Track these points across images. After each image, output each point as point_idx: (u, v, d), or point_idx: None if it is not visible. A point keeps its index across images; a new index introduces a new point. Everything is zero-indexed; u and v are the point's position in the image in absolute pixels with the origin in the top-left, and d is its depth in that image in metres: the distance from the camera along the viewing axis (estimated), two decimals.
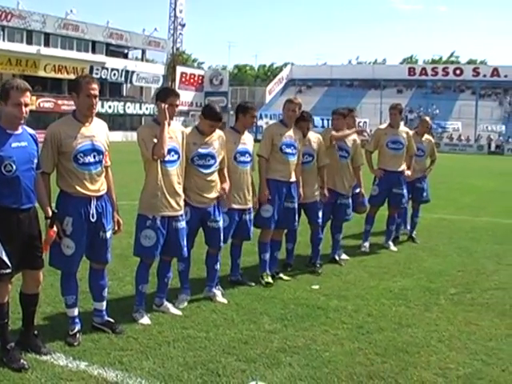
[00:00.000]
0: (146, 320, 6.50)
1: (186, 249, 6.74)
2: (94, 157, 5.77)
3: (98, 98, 5.79)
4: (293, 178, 8.35)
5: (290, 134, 8.33)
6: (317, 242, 9.17)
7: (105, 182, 5.97)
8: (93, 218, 5.76)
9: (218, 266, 7.52)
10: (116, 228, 6.21)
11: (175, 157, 6.53)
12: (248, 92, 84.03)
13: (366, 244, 10.72)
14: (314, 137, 8.94)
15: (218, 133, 7.28)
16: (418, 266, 9.64)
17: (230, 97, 78.30)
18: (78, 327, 5.94)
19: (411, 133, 11.05)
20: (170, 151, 6.42)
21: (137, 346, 5.76)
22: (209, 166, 7.12)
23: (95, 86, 5.74)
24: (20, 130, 5.33)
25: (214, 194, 7.18)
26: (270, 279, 8.21)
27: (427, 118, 12.06)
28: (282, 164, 8.24)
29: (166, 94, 6.52)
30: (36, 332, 5.68)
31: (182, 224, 6.67)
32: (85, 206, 5.75)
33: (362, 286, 8.30)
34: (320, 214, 9.01)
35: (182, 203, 6.66)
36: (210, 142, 7.15)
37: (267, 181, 8.16)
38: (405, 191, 10.82)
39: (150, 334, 6.11)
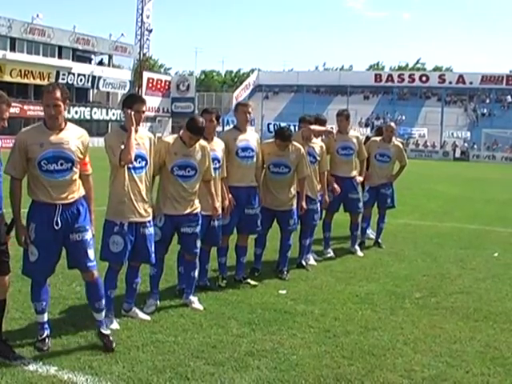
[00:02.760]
0: (114, 325, 6.52)
1: (153, 255, 6.75)
2: (62, 164, 5.65)
3: (61, 107, 5.64)
4: (252, 183, 8.43)
5: (246, 138, 8.39)
6: (286, 249, 9.23)
7: (78, 189, 5.83)
8: (57, 225, 5.66)
9: (196, 272, 7.55)
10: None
11: (142, 163, 6.53)
12: (215, 98, 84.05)
13: (329, 250, 10.82)
14: (294, 148, 8.89)
15: (202, 143, 7.30)
16: (383, 270, 9.77)
17: (197, 102, 78.21)
18: (47, 332, 5.92)
19: (361, 138, 11.25)
20: (137, 157, 6.42)
21: (105, 351, 5.77)
22: (189, 177, 7.15)
23: (55, 95, 5.61)
24: None
25: (191, 207, 7.23)
26: (223, 282, 8.43)
27: (392, 124, 12.19)
28: (238, 169, 8.27)
29: (132, 101, 6.56)
30: (4, 337, 5.70)
31: (150, 230, 6.67)
32: (48, 214, 5.67)
33: (328, 290, 8.40)
34: (292, 221, 9.08)
35: (149, 209, 6.66)
36: (192, 153, 7.18)
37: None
38: (360, 195, 10.97)
39: (119, 338, 6.13)
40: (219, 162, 7.81)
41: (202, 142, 7.30)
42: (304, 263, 9.78)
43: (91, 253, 5.85)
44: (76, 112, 62.99)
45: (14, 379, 5.15)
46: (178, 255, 7.77)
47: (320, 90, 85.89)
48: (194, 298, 7.49)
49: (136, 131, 6.45)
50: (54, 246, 5.74)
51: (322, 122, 10.10)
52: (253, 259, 9.23)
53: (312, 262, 10.11)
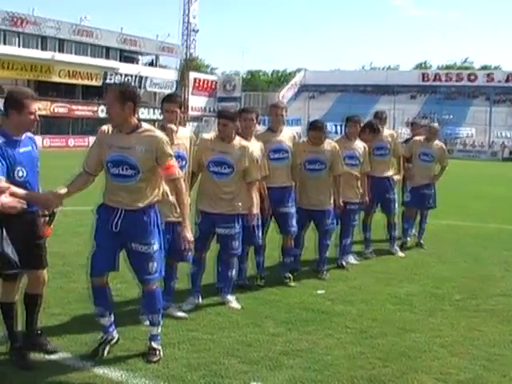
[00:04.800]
0: (181, 313, 6.93)
1: (189, 253, 6.79)
2: (126, 169, 5.43)
3: (110, 109, 5.44)
4: (285, 184, 8.41)
5: (278, 139, 8.38)
6: (323, 249, 9.22)
7: (145, 198, 5.53)
8: (115, 228, 5.49)
9: (233, 272, 7.59)
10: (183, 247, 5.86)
11: (182, 163, 6.60)
12: (261, 97, 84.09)
13: (370, 250, 10.77)
14: (328, 145, 8.95)
15: (243, 143, 7.33)
16: (424, 271, 9.67)
17: (243, 102, 78.40)
18: (105, 336, 5.74)
19: (396, 135, 11.22)
20: (176, 158, 6.46)
21: (142, 348, 5.83)
22: (224, 175, 7.19)
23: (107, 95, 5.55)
24: (23, 136, 5.47)
25: (228, 207, 7.25)
26: (261, 282, 8.46)
27: (435, 125, 12.11)
28: (271, 170, 8.17)
29: (163, 100, 6.73)
30: (39, 331, 5.83)
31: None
32: (109, 215, 5.52)
33: (367, 291, 8.36)
34: (328, 221, 9.07)
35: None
36: (230, 150, 7.22)
37: None
38: (396, 196, 10.91)
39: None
40: (257, 162, 7.80)
41: (243, 142, 7.34)
42: (344, 263, 9.75)
43: (152, 265, 5.61)
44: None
45: (51, 373, 5.27)
46: (217, 254, 7.78)
47: (366, 90, 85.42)
48: (231, 297, 7.52)
49: (176, 131, 6.60)
50: (109, 245, 5.56)
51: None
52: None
53: (353, 262, 10.07)
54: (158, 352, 5.71)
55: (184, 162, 6.69)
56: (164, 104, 6.75)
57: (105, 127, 5.62)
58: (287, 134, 8.53)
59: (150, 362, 5.58)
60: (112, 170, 5.48)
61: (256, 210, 7.66)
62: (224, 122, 7.28)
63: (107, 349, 5.64)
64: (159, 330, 5.85)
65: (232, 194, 7.28)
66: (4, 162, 5.19)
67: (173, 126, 6.64)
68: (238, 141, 7.30)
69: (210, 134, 7.37)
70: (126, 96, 5.40)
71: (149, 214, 5.55)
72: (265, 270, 8.63)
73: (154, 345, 5.76)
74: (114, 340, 5.77)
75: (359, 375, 5.43)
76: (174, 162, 5.59)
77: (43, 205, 5.41)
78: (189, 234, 5.76)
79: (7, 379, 5.17)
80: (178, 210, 6.44)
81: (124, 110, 5.37)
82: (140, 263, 5.62)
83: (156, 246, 5.59)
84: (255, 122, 7.87)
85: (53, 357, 5.61)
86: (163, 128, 6.62)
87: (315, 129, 8.91)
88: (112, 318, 5.79)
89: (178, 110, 6.79)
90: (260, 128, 8.75)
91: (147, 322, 6.23)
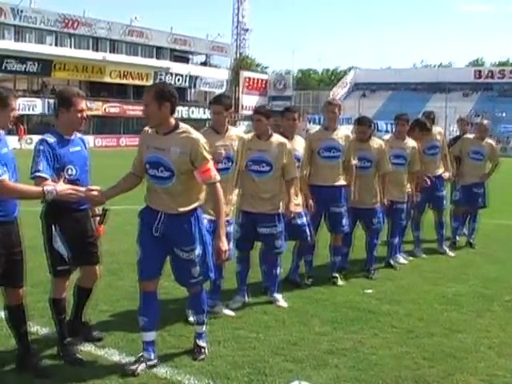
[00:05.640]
0: (228, 311, 6.98)
1: (230, 252, 6.80)
2: (161, 171, 5.34)
3: (147, 109, 5.35)
4: (337, 183, 8.39)
5: (331, 137, 8.36)
6: (371, 248, 9.20)
7: (186, 202, 5.42)
8: (156, 232, 5.41)
9: (278, 270, 7.61)
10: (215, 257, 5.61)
11: (228, 164, 6.65)
12: (312, 96, 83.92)
13: (419, 250, 10.68)
14: (375, 143, 8.96)
15: (281, 140, 7.35)
16: (474, 271, 9.55)
17: (294, 101, 78.27)
18: (145, 355, 5.47)
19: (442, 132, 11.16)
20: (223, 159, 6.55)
21: (188, 345, 5.89)
22: (263, 173, 7.21)
23: (144, 95, 5.45)
24: (74, 136, 5.60)
25: (268, 206, 7.26)
26: (309, 281, 8.47)
27: (485, 122, 11.92)
28: (322, 168, 8.28)
29: (210, 103, 6.78)
30: (85, 321, 6.08)
31: (228, 228, 6.65)
32: (151, 218, 5.44)
33: (415, 290, 8.29)
34: (375, 220, 9.05)
35: (228, 209, 6.65)
36: (268, 148, 7.24)
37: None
38: (445, 193, 10.85)
39: None
40: (299, 161, 7.83)
41: (281, 139, 7.35)
42: (392, 263, 9.69)
43: (195, 270, 5.53)
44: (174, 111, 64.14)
45: (98, 368, 5.40)
46: (260, 253, 7.80)
47: (418, 88, 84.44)
48: (278, 296, 7.54)
49: (225, 131, 6.65)
50: (155, 249, 5.47)
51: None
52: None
53: (402, 261, 10.01)
54: (203, 350, 5.74)
55: (231, 164, 6.70)
56: (211, 106, 6.77)
57: (147, 128, 5.58)
58: (341, 133, 8.50)
59: (196, 359, 5.61)
60: (149, 171, 5.43)
61: (300, 208, 7.78)
62: (257, 118, 7.31)
63: (142, 367, 5.34)
64: (205, 329, 5.87)
65: (272, 192, 7.28)
66: (52, 163, 5.33)
67: (222, 152, 6.59)
68: (275, 138, 7.31)
69: (248, 134, 7.36)
70: (163, 96, 5.31)
71: (189, 219, 5.44)
72: (313, 269, 8.63)
73: (199, 343, 5.78)
74: (152, 362, 5.45)
75: (404, 375, 5.40)
76: (211, 165, 5.43)
77: (88, 200, 5.39)
78: (222, 244, 5.49)
79: (54, 374, 5.30)
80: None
81: (161, 110, 5.29)
82: (182, 269, 5.56)
83: (198, 251, 5.48)
84: (297, 121, 7.89)
85: (99, 352, 5.74)
86: (212, 129, 6.70)
87: (361, 123, 8.93)
88: (154, 336, 5.60)
89: (226, 112, 6.69)
90: (310, 126, 8.79)
91: (191, 318, 6.31)
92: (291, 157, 7.39)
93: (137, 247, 5.57)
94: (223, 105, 6.69)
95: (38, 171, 5.25)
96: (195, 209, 5.51)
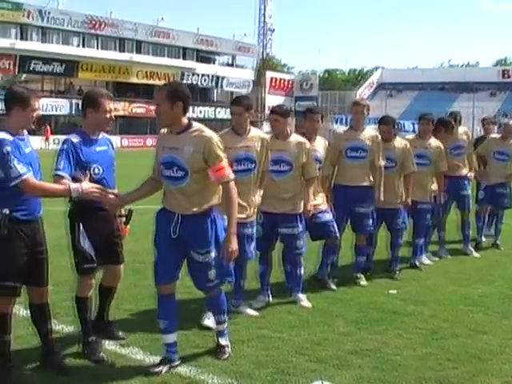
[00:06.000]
0: (251, 311, 6.99)
1: (249, 253, 6.81)
2: (176, 171, 5.31)
3: (159, 109, 5.37)
4: (363, 183, 8.38)
5: (358, 137, 8.34)
6: (395, 248, 9.16)
7: (201, 202, 5.37)
8: (174, 234, 5.38)
9: (301, 270, 7.58)
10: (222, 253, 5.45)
11: (251, 166, 6.63)
12: (338, 96, 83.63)
13: (444, 251, 10.61)
14: (399, 143, 8.93)
15: (300, 140, 7.35)
16: (500, 272, 9.47)
17: (321, 101, 78.12)
18: (167, 356, 5.49)
19: (469, 132, 11.09)
20: (243, 160, 6.54)
21: (211, 344, 5.91)
22: (282, 172, 7.21)
23: (156, 95, 5.52)
24: (100, 135, 5.67)
25: (289, 206, 7.26)
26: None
27: (510, 122, 11.83)
28: (348, 168, 8.30)
29: (230, 103, 6.82)
30: (109, 320, 6.13)
31: (249, 230, 6.71)
32: (168, 220, 5.42)
33: (440, 291, 8.24)
34: (399, 221, 9.01)
35: (249, 211, 6.69)
36: (287, 148, 7.23)
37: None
38: (470, 192, 10.78)
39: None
40: (319, 162, 7.84)
41: (300, 138, 7.36)
42: (417, 263, 9.64)
43: (211, 273, 5.46)
44: (200, 111, 64.51)
45: (121, 367, 5.48)
46: (282, 253, 7.81)
47: (445, 88, 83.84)
48: (302, 296, 7.53)
49: (245, 133, 6.63)
50: (171, 253, 5.44)
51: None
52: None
53: (426, 261, 9.97)
54: (226, 349, 5.74)
55: (253, 165, 6.67)
56: (231, 107, 6.78)
57: (163, 130, 5.53)
58: (368, 133, 8.46)
59: (220, 359, 5.61)
60: (164, 172, 5.39)
61: (325, 205, 7.89)
62: (274, 118, 7.30)
63: (166, 369, 5.36)
64: (226, 327, 5.85)
65: (292, 192, 7.28)
66: (73, 162, 5.42)
67: None
68: (294, 137, 7.31)
69: (267, 135, 7.31)
70: (176, 95, 5.27)
71: (205, 220, 5.38)
72: (337, 270, 8.62)
73: (221, 342, 5.77)
74: (175, 363, 5.47)
75: (428, 376, 5.37)
76: (225, 163, 5.35)
77: (106, 203, 5.43)
78: (230, 244, 5.36)
79: (78, 372, 5.35)
80: (242, 212, 6.50)
81: (173, 109, 5.25)
82: (199, 272, 5.50)
83: (214, 254, 5.40)
84: (320, 122, 7.89)
85: (123, 351, 5.79)
86: (233, 131, 6.70)
87: (385, 123, 8.90)
88: (175, 337, 5.59)
89: (246, 113, 6.64)
90: (335, 126, 8.79)
91: (205, 322, 6.36)
92: (310, 156, 7.39)
93: (153, 249, 5.59)
94: (243, 105, 6.66)
95: (57, 170, 5.35)
96: (211, 210, 5.43)
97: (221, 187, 5.44)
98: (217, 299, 5.74)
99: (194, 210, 5.34)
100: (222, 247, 5.39)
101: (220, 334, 5.83)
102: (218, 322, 5.85)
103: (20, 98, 5.06)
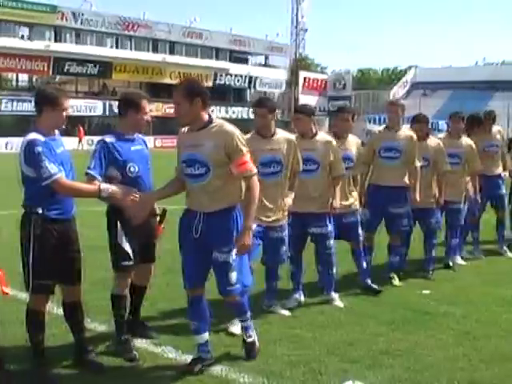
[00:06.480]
0: (284, 311, 7.01)
1: (282, 256, 6.83)
2: (198, 168, 5.27)
3: (178, 107, 5.32)
4: (398, 183, 8.31)
5: (393, 138, 8.30)
6: (429, 248, 9.11)
7: (223, 199, 5.31)
8: (196, 233, 5.33)
9: (333, 270, 7.55)
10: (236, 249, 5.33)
11: (277, 168, 6.55)
12: (372, 96, 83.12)
13: (478, 251, 10.54)
14: (433, 142, 8.90)
15: (327, 138, 7.36)
16: None
17: (354, 101, 77.70)
18: (200, 355, 5.51)
19: (502, 131, 11.00)
20: (270, 163, 6.48)
21: (243, 344, 5.89)
22: (310, 171, 7.17)
23: (174, 94, 5.44)
24: (135, 135, 5.78)
25: (317, 206, 7.23)
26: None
27: None
28: (382, 168, 8.32)
29: (254, 105, 6.79)
30: (142, 319, 6.23)
31: (279, 234, 6.67)
32: (190, 220, 5.39)
33: (473, 292, 8.18)
34: (433, 220, 8.98)
35: (279, 214, 6.63)
36: (313, 147, 7.21)
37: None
38: (505, 191, 10.71)
39: (257, 332, 6.29)
40: (352, 161, 7.81)
41: (327, 137, 7.37)
42: (451, 263, 9.57)
43: (232, 276, 5.36)
44: (233, 112, 64.64)
45: (154, 365, 5.54)
46: (315, 253, 7.79)
47: (480, 86, 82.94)
48: (334, 295, 7.54)
49: (271, 135, 6.58)
50: (195, 254, 5.40)
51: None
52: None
53: (460, 262, 9.90)
54: (253, 346, 5.72)
55: (280, 168, 6.58)
56: (254, 109, 6.69)
57: (183, 129, 5.52)
58: (404, 134, 8.39)
59: (249, 357, 5.64)
60: (186, 171, 5.35)
61: (356, 206, 7.89)
62: (297, 117, 7.30)
63: (199, 367, 5.38)
64: (250, 322, 5.76)
65: (320, 191, 7.26)
66: (106, 162, 5.51)
67: None
68: (320, 136, 7.30)
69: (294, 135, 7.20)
70: (194, 92, 5.24)
71: (228, 218, 5.31)
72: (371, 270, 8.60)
73: (247, 338, 5.73)
74: (208, 361, 5.49)
75: (460, 377, 5.34)
76: (247, 158, 5.27)
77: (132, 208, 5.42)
78: (243, 238, 5.25)
79: (111, 370, 5.44)
80: (270, 215, 6.52)
81: (192, 106, 5.21)
82: (220, 274, 5.39)
83: (235, 254, 5.32)
84: (351, 121, 7.85)
85: (156, 350, 5.85)
86: (258, 134, 6.62)
87: (418, 121, 8.87)
88: (207, 337, 5.58)
89: (270, 115, 6.54)
90: (369, 126, 8.75)
91: (233, 329, 6.33)
92: (338, 154, 7.35)
93: (180, 253, 5.57)
94: (266, 107, 6.56)
95: (89, 169, 5.44)
96: (234, 208, 5.36)
97: (243, 184, 5.37)
98: (240, 306, 5.65)
99: (216, 207, 5.29)
100: (235, 240, 5.29)
101: (245, 329, 5.76)
102: (242, 320, 5.79)
103: (49, 98, 5.15)
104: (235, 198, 5.37)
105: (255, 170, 5.37)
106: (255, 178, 5.35)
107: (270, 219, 6.54)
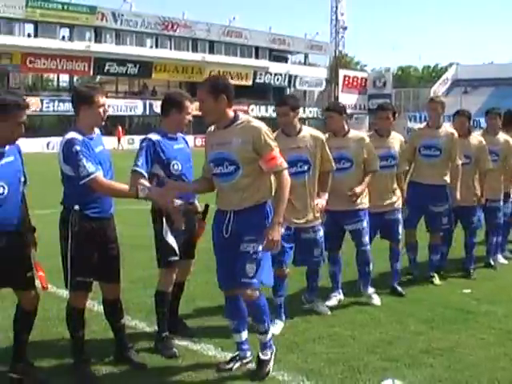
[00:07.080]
0: (324, 309, 7.01)
1: (315, 259, 6.74)
2: (226, 167, 5.19)
3: (203, 105, 5.26)
4: (437, 182, 8.22)
5: (433, 135, 8.21)
6: (470, 247, 9.01)
7: (253, 195, 5.21)
8: (226, 233, 5.26)
9: (370, 267, 7.50)
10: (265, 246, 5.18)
11: (304, 167, 6.42)
12: (412, 94, 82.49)
13: None
14: (475, 139, 8.80)
15: (360, 135, 7.34)
16: None
17: (394, 99, 77.18)
18: (239, 354, 5.51)
19: None
20: (297, 162, 6.33)
21: (282, 342, 5.95)
22: (344, 169, 7.11)
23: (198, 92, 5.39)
24: (177, 134, 5.88)
25: (352, 203, 7.12)
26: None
27: None
28: (422, 166, 8.25)
29: (275, 104, 6.76)
30: (181, 316, 6.27)
31: (312, 235, 6.57)
32: (220, 220, 5.31)
33: None
34: (474, 219, 8.89)
35: (309, 216, 6.50)
36: (346, 144, 7.16)
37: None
38: None
39: (296, 330, 6.33)
40: (394, 159, 7.75)
41: (360, 134, 7.35)
42: (492, 262, 9.47)
43: (251, 267, 5.17)
44: (273, 110, 64.38)
45: (193, 362, 5.56)
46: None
47: None
48: (374, 295, 7.50)
49: (296, 134, 6.49)
50: (227, 253, 5.29)
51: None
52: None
53: (502, 261, 9.79)
54: (264, 365, 5.33)
55: (307, 166, 6.44)
56: (276, 107, 6.56)
57: (210, 128, 5.44)
58: (445, 131, 8.26)
59: (254, 375, 5.28)
60: (215, 170, 5.27)
61: (398, 204, 7.85)
62: (329, 115, 7.24)
63: (237, 365, 5.39)
64: (269, 338, 5.42)
65: (351, 188, 7.11)
66: (152, 159, 5.58)
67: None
68: (353, 134, 7.25)
69: (324, 134, 7.02)
70: (219, 89, 5.16)
71: (258, 212, 5.21)
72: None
73: (262, 356, 5.36)
74: (247, 359, 5.47)
75: (501, 377, 5.28)
76: (276, 153, 5.16)
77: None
78: (272, 233, 5.08)
79: (151, 367, 5.48)
80: (300, 216, 6.45)
81: (217, 103, 5.14)
82: (239, 263, 5.19)
83: (259, 247, 5.16)
84: (391, 119, 7.77)
85: (195, 347, 5.89)
86: (282, 132, 6.51)
87: (459, 115, 8.80)
88: (246, 335, 5.53)
89: (292, 113, 6.37)
90: (410, 124, 8.66)
91: (273, 329, 6.01)
92: (372, 151, 7.28)
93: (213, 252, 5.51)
94: (289, 105, 6.41)
95: (136, 166, 5.49)
96: (265, 204, 5.26)
97: (273, 180, 5.28)
98: (256, 305, 5.30)
99: (246, 205, 5.19)
100: (263, 233, 5.13)
101: (262, 346, 5.41)
102: (260, 333, 5.40)
103: (84, 96, 5.20)
104: (266, 195, 5.28)
105: (285, 165, 5.27)
106: (286, 173, 5.24)
107: (300, 221, 6.44)
